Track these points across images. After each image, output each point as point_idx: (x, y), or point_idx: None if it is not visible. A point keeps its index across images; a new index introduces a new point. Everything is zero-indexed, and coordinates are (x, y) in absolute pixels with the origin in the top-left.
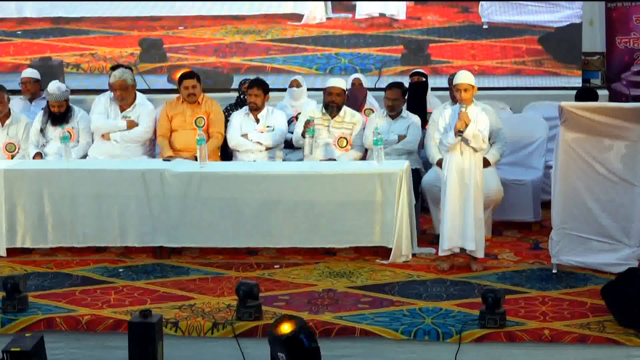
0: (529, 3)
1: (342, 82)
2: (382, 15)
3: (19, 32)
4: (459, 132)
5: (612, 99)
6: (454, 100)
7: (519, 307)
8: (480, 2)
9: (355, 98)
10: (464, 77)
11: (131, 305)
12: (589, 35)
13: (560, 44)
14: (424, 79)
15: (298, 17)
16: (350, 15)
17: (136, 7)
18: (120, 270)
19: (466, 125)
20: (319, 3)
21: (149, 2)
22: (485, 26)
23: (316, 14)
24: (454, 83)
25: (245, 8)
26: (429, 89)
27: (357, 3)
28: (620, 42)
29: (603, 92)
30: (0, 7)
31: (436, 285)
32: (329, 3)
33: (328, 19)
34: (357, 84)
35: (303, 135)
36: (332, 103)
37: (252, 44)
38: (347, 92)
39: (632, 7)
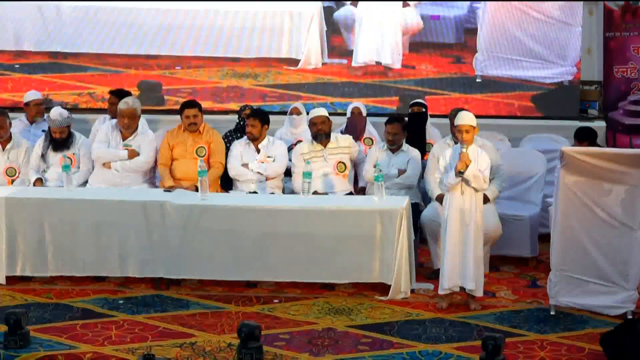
0: (524, 58)
1: (323, 110)
2: (378, 63)
3: (17, 66)
4: (459, 173)
5: (609, 128)
6: (454, 135)
7: (518, 351)
8: (475, 55)
9: (354, 127)
10: (465, 119)
11: (132, 342)
12: (587, 64)
13: (552, 105)
14: (423, 110)
15: (294, 61)
16: (345, 61)
17: (133, 44)
18: (120, 302)
19: (467, 166)
20: (314, 48)
21: (146, 37)
22: (478, 79)
23: (312, 59)
24: (455, 124)
25: (241, 50)
26: (429, 119)
27: (355, 50)
28: (617, 71)
29: (600, 124)
30: None
31: (435, 326)
32: (325, 48)
33: (324, 64)
34: (356, 112)
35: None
36: (319, 132)
37: (249, 88)
38: (346, 121)
39: (629, 37)
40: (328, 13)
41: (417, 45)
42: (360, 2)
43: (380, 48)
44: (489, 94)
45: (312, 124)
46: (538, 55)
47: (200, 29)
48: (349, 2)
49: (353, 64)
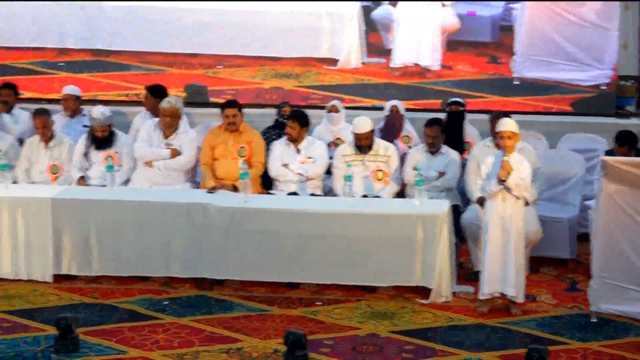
0: (561, 61)
1: (367, 125)
2: (416, 64)
3: (61, 64)
4: (501, 181)
5: None
6: (494, 136)
7: None
8: (513, 57)
9: (392, 125)
10: (507, 125)
11: (180, 347)
12: (624, 59)
13: (592, 111)
14: (461, 108)
15: (333, 61)
16: (384, 61)
17: (175, 43)
18: (165, 303)
19: (508, 174)
20: (354, 48)
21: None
22: (516, 82)
23: (351, 59)
24: (496, 130)
25: (281, 50)
26: (466, 118)
27: (393, 51)
28: None
29: (637, 121)
30: (41, 36)
31: (477, 332)
32: (364, 47)
33: (363, 63)
34: (394, 111)
35: None
36: (363, 145)
37: (291, 90)
38: (384, 119)
39: None
40: (366, 12)
41: (453, 43)
42: (399, 3)
43: (419, 49)
44: (527, 96)
45: (355, 137)
46: (575, 58)
47: (240, 28)
48: (386, 2)
49: (391, 65)
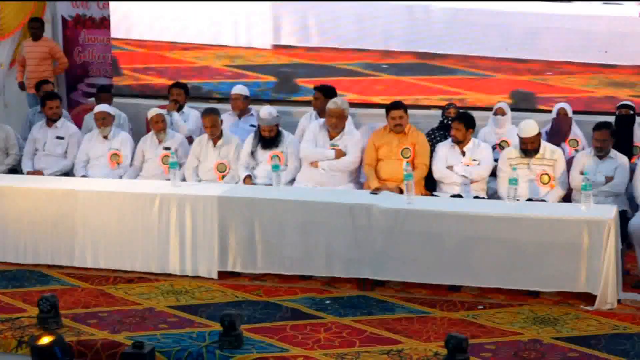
0: None
1: (534, 129)
2: None
3: (385, 66)
4: None
5: None
6: None
7: None
8: None
9: (559, 128)
10: None
11: (341, 347)
12: None
13: None
14: (631, 112)
15: None
16: None
17: (502, 47)
18: (327, 302)
19: None
20: None
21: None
22: None
23: None
24: None
25: (617, 57)
26: (636, 122)
27: None
28: None
29: None
30: (366, 37)
31: None
32: None
33: None
34: (562, 113)
35: None
36: (529, 149)
37: (625, 99)
38: (552, 122)
39: None
40: None
41: None
42: None
43: None
44: None
45: (522, 141)
46: None
47: (573, 33)
48: None
49: None
